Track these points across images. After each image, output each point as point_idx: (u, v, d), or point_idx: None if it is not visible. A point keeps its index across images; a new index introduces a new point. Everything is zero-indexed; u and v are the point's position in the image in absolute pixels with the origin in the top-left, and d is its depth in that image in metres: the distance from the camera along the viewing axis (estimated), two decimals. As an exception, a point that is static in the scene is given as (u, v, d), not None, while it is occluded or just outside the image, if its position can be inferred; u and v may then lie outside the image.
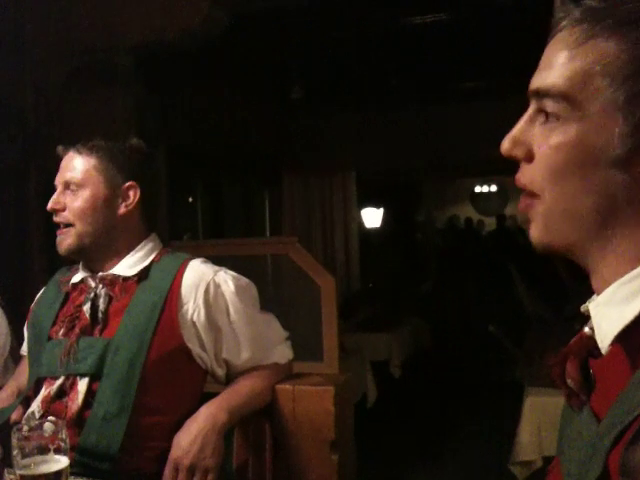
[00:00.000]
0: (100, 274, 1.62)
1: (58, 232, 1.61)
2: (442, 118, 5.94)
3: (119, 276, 1.61)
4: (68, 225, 1.59)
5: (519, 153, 0.70)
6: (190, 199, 5.78)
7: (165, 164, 4.10)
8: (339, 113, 6.15)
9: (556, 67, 0.67)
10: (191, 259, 1.65)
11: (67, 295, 1.66)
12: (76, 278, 1.67)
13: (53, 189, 1.66)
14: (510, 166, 0.74)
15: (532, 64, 0.73)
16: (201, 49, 3.26)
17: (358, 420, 1.99)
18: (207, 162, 5.32)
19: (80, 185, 1.59)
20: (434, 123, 5.97)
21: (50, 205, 1.60)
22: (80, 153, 1.61)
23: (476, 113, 5.67)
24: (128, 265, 1.62)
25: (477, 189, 11.70)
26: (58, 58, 3.21)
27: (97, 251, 1.61)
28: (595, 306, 0.67)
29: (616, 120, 0.63)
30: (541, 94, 0.68)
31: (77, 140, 1.66)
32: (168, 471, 1.46)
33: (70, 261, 1.72)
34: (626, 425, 0.58)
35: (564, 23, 0.67)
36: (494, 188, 11.47)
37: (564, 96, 0.66)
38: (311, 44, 4.38)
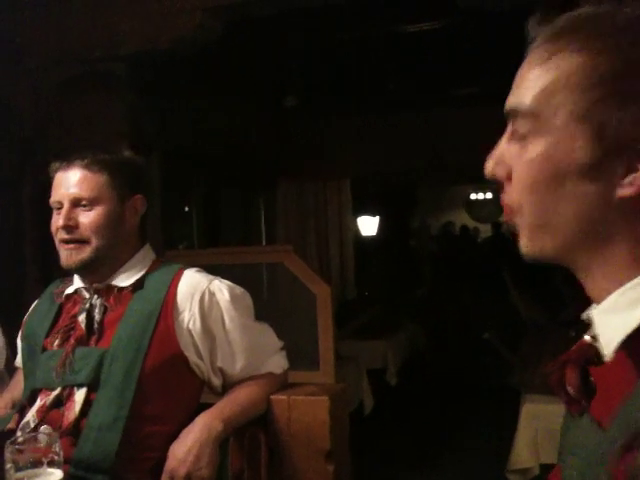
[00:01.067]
0: (95, 285, 1.62)
1: (66, 247, 1.58)
2: (438, 124, 5.95)
3: (114, 286, 1.61)
4: (81, 241, 1.58)
5: (500, 173, 0.72)
6: (186, 208, 5.78)
7: (160, 172, 4.09)
8: (334, 119, 6.16)
9: (523, 86, 0.70)
10: (185, 268, 1.66)
11: (61, 306, 1.66)
12: (70, 289, 1.67)
13: (48, 201, 1.65)
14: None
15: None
16: (196, 56, 3.27)
17: (355, 428, 1.99)
18: (202, 170, 5.32)
19: (93, 202, 1.58)
20: (430, 129, 5.98)
21: (63, 222, 1.56)
22: (89, 169, 1.59)
23: (473, 119, 5.68)
24: (123, 276, 1.62)
25: (472, 196, 11.73)
26: (54, 65, 3.21)
27: (103, 264, 1.61)
28: (598, 313, 0.68)
29: (579, 131, 0.65)
30: (512, 114, 0.71)
31: (72, 147, 1.66)
32: (164, 481, 1.45)
33: (64, 273, 1.71)
34: (632, 431, 0.59)
35: (534, 44, 0.70)
36: (489, 195, 11.49)
37: (531, 114, 0.68)
38: (307, 50, 4.38)
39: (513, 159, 0.70)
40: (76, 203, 1.58)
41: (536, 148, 0.68)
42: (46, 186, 1.68)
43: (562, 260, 0.71)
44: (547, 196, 0.68)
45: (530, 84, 0.69)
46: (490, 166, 0.73)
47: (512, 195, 0.71)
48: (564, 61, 0.66)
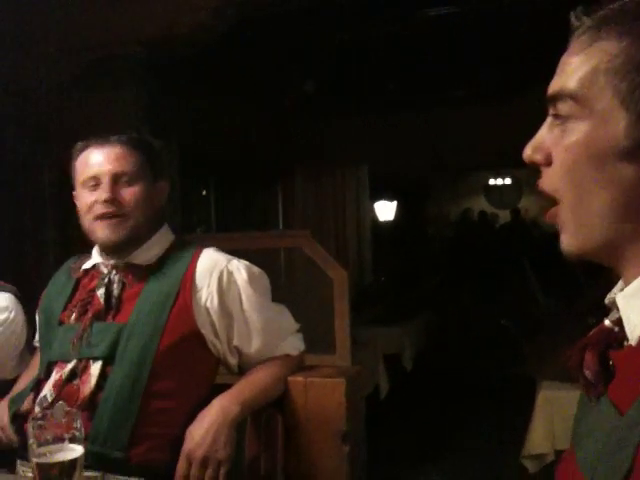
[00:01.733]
0: (113, 261, 1.64)
1: (107, 221, 1.59)
2: (457, 111, 5.93)
3: (132, 264, 1.63)
4: (122, 216, 1.60)
5: (539, 158, 0.73)
6: (204, 192, 5.80)
7: (178, 156, 4.11)
8: (354, 108, 6.14)
9: (566, 72, 0.71)
10: (204, 247, 1.68)
11: (78, 281, 1.69)
12: (88, 264, 1.69)
13: (67, 181, 1.67)
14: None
15: (551, 58, 0.76)
16: (217, 44, 3.27)
17: (370, 412, 2.00)
18: (219, 155, 5.33)
19: (134, 177, 1.61)
20: (449, 116, 5.96)
21: (108, 196, 1.57)
22: (128, 147, 1.62)
23: (492, 107, 5.65)
24: (142, 254, 1.65)
25: (491, 182, 11.63)
26: (72, 53, 3.23)
27: (133, 241, 1.63)
28: (623, 298, 0.68)
29: (620, 114, 0.66)
30: (554, 99, 0.71)
31: (91, 134, 1.67)
32: (181, 463, 1.47)
33: (84, 250, 1.74)
34: None
35: (576, 32, 0.71)
36: (508, 181, 11.39)
37: (573, 97, 0.69)
38: (326, 40, 4.37)
39: (553, 144, 0.71)
40: (117, 178, 1.60)
41: (578, 132, 0.68)
42: (65, 169, 1.70)
43: (605, 253, 0.70)
44: (587, 180, 0.68)
45: (573, 69, 0.70)
46: (529, 151, 0.74)
47: (551, 180, 0.72)
48: (606, 47, 0.67)
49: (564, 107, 0.70)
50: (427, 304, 5.99)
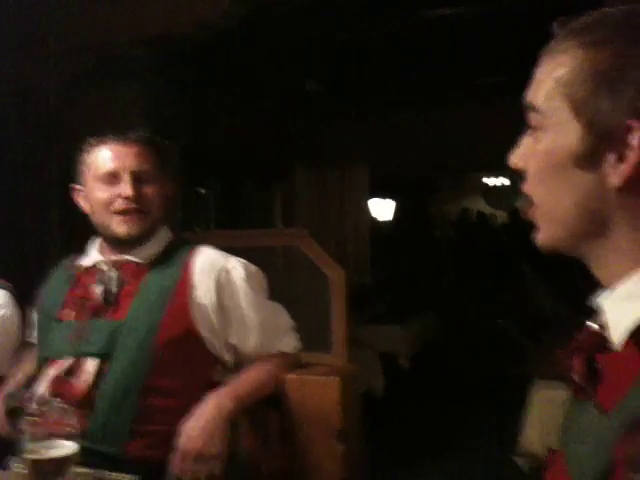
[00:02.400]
0: (112, 258, 1.65)
1: (127, 217, 1.61)
2: (457, 112, 5.93)
3: (132, 261, 1.65)
4: (142, 212, 1.62)
5: (520, 164, 0.77)
6: (203, 191, 5.80)
7: (178, 156, 4.11)
8: (354, 108, 6.14)
9: (535, 82, 0.74)
10: (202, 246, 1.69)
11: (76, 278, 1.69)
12: (87, 262, 1.70)
13: (73, 177, 1.69)
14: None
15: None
16: (218, 42, 3.28)
17: (366, 411, 2.00)
18: (220, 155, 5.33)
19: (154, 176, 1.65)
20: (449, 117, 5.96)
21: (133, 192, 1.60)
22: (147, 146, 1.65)
23: (492, 108, 5.65)
24: (141, 251, 1.66)
25: (490, 183, 11.62)
26: (73, 53, 3.24)
27: (145, 237, 1.66)
28: (608, 302, 0.70)
29: (575, 124, 0.69)
30: (527, 108, 0.75)
31: (96, 130, 1.69)
32: (176, 459, 1.47)
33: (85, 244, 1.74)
34: (637, 418, 0.60)
35: (551, 43, 0.74)
36: (507, 182, 11.38)
37: (537, 109, 0.73)
38: (329, 38, 4.37)
39: (529, 151, 0.75)
40: (138, 176, 1.62)
41: (542, 142, 0.73)
42: (71, 165, 1.71)
43: (572, 250, 0.74)
44: (551, 186, 0.72)
45: (539, 81, 0.73)
46: (512, 158, 0.78)
47: (528, 184, 0.76)
48: (566, 60, 0.70)
49: (533, 118, 0.74)
50: (425, 304, 6.00)
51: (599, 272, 0.73)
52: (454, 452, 4.16)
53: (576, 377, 0.72)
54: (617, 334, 0.67)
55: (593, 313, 0.75)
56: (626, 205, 0.68)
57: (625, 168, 0.66)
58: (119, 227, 1.62)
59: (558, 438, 0.82)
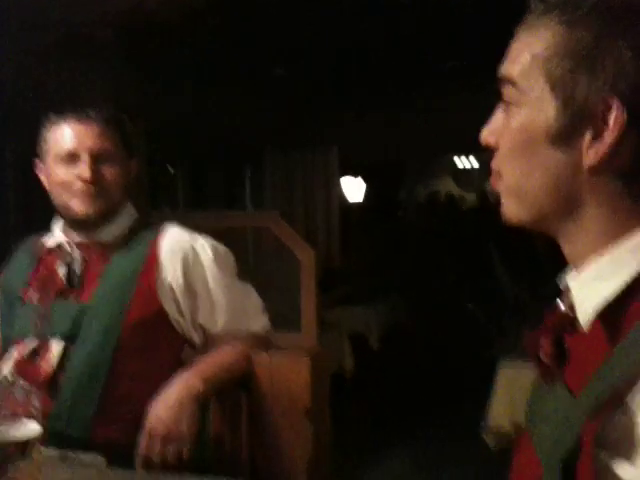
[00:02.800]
0: (76, 239, 1.61)
1: (85, 197, 1.57)
2: (425, 93, 5.94)
3: (96, 242, 1.61)
4: (101, 192, 1.59)
5: (491, 141, 0.76)
6: (172, 170, 5.74)
7: (145, 136, 4.05)
8: (321, 87, 6.11)
9: (510, 57, 0.73)
10: (169, 225, 1.66)
11: (40, 259, 1.66)
12: (51, 243, 1.66)
13: (31, 160, 1.64)
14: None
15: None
16: (182, 21, 3.22)
17: (336, 392, 2.01)
18: (187, 136, 5.27)
19: (114, 156, 1.61)
20: (417, 98, 5.97)
21: (90, 174, 1.56)
22: (107, 124, 1.61)
23: (459, 89, 5.67)
24: (106, 231, 1.63)
25: (459, 165, 11.70)
26: (37, 31, 3.14)
27: (106, 218, 1.62)
28: (575, 282, 0.70)
29: (551, 100, 0.68)
30: (501, 83, 0.74)
31: (56, 111, 1.64)
32: (143, 440, 1.45)
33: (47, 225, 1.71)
34: (604, 398, 0.60)
35: (527, 17, 0.73)
36: (476, 164, 11.48)
37: (513, 83, 0.72)
38: (294, 19, 4.32)
39: (502, 127, 0.74)
40: (97, 156, 1.58)
41: (517, 117, 0.71)
42: (28, 148, 1.67)
43: (539, 227, 0.74)
44: (522, 163, 0.72)
45: (515, 55, 0.72)
46: (484, 134, 0.77)
47: (498, 160, 0.75)
48: (545, 35, 0.69)
49: (507, 92, 0.73)
50: (394, 286, 6.04)
51: (568, 250, 0.73)
52: (421, 432, 4.21)
53: (544, 357, 0.72)
54: (584, 315, 0.68)
55: (561, 294, 0.75)
56: (597, 185, 0.68)
57: (601, 147, 0.66)
58: (77, 207, 1.59)
59: (525, 418, 0.82)
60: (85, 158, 1.57)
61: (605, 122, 0.65)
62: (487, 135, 0.76)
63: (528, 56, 0.70)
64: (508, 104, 0.73)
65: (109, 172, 1.60)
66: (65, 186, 1.58)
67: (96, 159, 1.58)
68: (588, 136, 0.67)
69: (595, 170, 0.67)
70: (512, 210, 0.75)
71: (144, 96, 3.97)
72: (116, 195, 1.62)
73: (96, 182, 1.57)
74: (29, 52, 3.12)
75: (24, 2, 3.08)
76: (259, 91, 5.86)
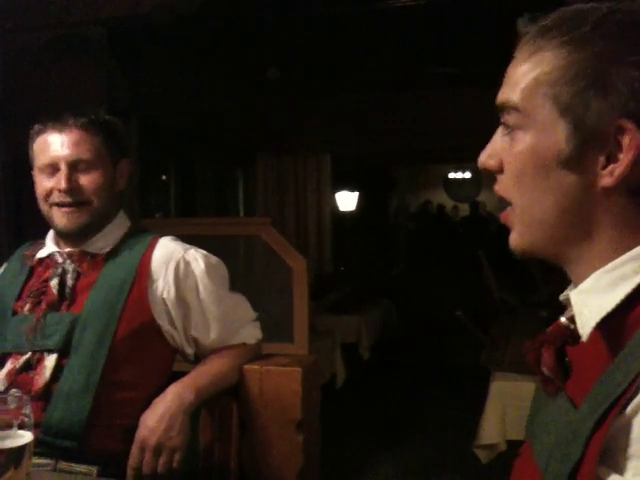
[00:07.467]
0: (68, 250, 1.61)
1: (65, 209, 1.55)
2: (417, 103, 5.96)
3: (88, 252, 1.60)
4: (81, 203, 1.56)
5: (492, 165, 0.75)
6: (164, 177, 5.73)
7: (137, 139, 4.04)
8: (314, 95, 6.12)
9: (510, 83, 0.72)
10: (161, 236, 1.65)
11: (32, 270, 1.65)
12: (42, 253, 1.65)
13: (22, 165, 1.63)
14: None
15: (508, 53, 0.76)
16: (176, 24, 3.21)
17: (326, 401, 2.01)
18: (180, 139, 5.26)
19: (93, 164, 1.57)
20: (409, 108, 5.99)
21: (66, 185, 1.53)
22: (86, 131, 1.57)
23: (452, 99, 5.69)
24: (98, 242, 1.61)
25: (451, 175, 11.76)
26: (29, 30, 3.13)
27: (91, 229, 1.59)
28: (577, 294, 0.70)
29: (560, 124, 0.68)
30: (501, 109, 0.73)
31: (51, 112, 1.62)
32: (134, 450, 1.45)
33: (37, 237, 1.70)
34: (606, 409, 0.60)
35: (522, 41, 0.72)
36: (468, 175, 11.53)
37: (516, 108, 0.71)
38: (287, 25, 4.33)
39: (504, 151, 0.73)
40: (75, 165, 1.56)
41: (523, 141, 0.70)
42: (19, 150, 1.65)
43: (549, 254, 0.73)
44: (533, 188, 0.70)
45: (516, 80, 0.71)
46: (483, 158, 0.76)
47: (504, 185, 0.74)
48: (547, 57, 0.68)
49: (510, 118, 0.72)
50: (385, 294, 6.05)
51: (576, 272, 0.72)
52: (411, 441, 4.21)
53: (545, 370, 0.73)
54: (584, 325, 0.68)
55: (552, 305, 0.76)
56: (612, 207, 0.67)
57: (617, 168, 0.65)
58: (58, 220, 1.57)
59: (524, 429, 0.83)
60: (63, 168, 1.55)
61: (618, 143, 0.65)
62: (486, 159, 0.75)
63: (529, 80, 0.69)
64: (511, 129, 0.72)
65: (89, 180, 1.56)
66: (47, 197, 1.57)
67: (74, 168, 1.56)
68: (602, 158, 0.66)
69: (609, 191, 0.66)
70: (524, 239, 0.73)
71: (136, 99, 3.96)
72: (100, 205, 1.58)
73: (74, 192, 1.54)
74: (22, 52, 3.11)
75: (16, 1, 3.08)
76: (253, 93, 5.86)
